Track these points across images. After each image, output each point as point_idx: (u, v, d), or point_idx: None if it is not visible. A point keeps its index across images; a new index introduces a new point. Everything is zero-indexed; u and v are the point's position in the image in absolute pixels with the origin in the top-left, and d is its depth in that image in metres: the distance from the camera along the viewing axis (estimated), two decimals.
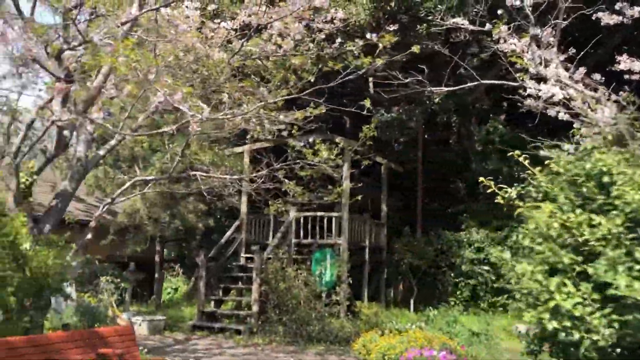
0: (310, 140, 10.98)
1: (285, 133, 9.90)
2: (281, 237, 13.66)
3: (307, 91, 6.99)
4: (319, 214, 13.96)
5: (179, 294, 18.90)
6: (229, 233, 14.29)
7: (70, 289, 7.58)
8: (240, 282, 13.94)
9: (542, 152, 10.41)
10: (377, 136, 10.78)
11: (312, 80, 8.55)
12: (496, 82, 11.52)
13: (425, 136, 19.09)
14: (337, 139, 12.23)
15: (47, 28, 5.57)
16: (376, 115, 14.41)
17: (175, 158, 9.19)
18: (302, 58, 6.46)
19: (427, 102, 14.52)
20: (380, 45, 6.31)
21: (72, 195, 8.93)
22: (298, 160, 9.04)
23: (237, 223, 14.59)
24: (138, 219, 13.36)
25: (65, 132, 8.05)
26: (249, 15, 11.55)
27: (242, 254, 14.41)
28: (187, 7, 9.21)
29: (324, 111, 6.79)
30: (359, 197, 11.19)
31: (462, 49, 15.37)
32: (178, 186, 13.64)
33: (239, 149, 14.58)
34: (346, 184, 13.14)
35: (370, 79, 16.54)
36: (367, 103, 6.80)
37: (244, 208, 14.61)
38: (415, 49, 6.47)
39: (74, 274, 7.97)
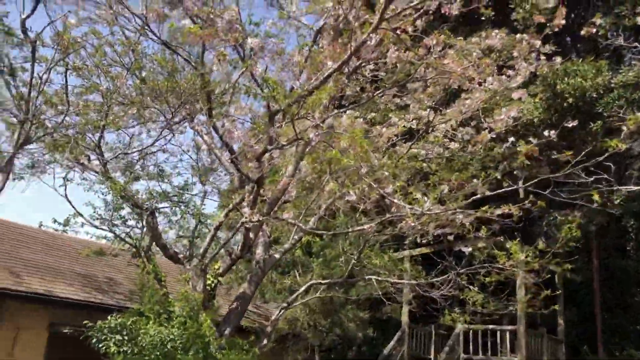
0: (479, 245, 10.21)
1: (451, 237, 9.29)
2: (449, 350, 12.58)
3: (525, 186, 6.43)
4: (490, 327, 12.72)
5: None
6: (391, 344, 13.43)
7: None
8: None
9: None
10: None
11: (498, 177, 8.05)
12: None
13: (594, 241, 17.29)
14: (508, 244, 11.30)
15: (264, 127, 5.77)
16: (548, 219, 13.28)
17: (350, 261, 8.87)
18: (531, 146, 5.99)
19: (608, 203, 13.15)
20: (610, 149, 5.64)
21: (251, 298, 8.90)
22: (486, 264, 8.29)
23: (399, 334, 13.73)
24: (299, 326, 13.05)
25: (251, 234, 8.14)
26: (412, 120, 11.54)
27: None
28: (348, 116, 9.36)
29: (542, 206, 6.17)
30: (555, 307, 9.91)
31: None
32: (335, 293, 13.26)
33: (399, 255, 14.04)
34: (522, 293, 11.95)
35: (520, 182, 15.55)
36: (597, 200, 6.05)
37: (405, 318, 13.80)
38: None
39: None
